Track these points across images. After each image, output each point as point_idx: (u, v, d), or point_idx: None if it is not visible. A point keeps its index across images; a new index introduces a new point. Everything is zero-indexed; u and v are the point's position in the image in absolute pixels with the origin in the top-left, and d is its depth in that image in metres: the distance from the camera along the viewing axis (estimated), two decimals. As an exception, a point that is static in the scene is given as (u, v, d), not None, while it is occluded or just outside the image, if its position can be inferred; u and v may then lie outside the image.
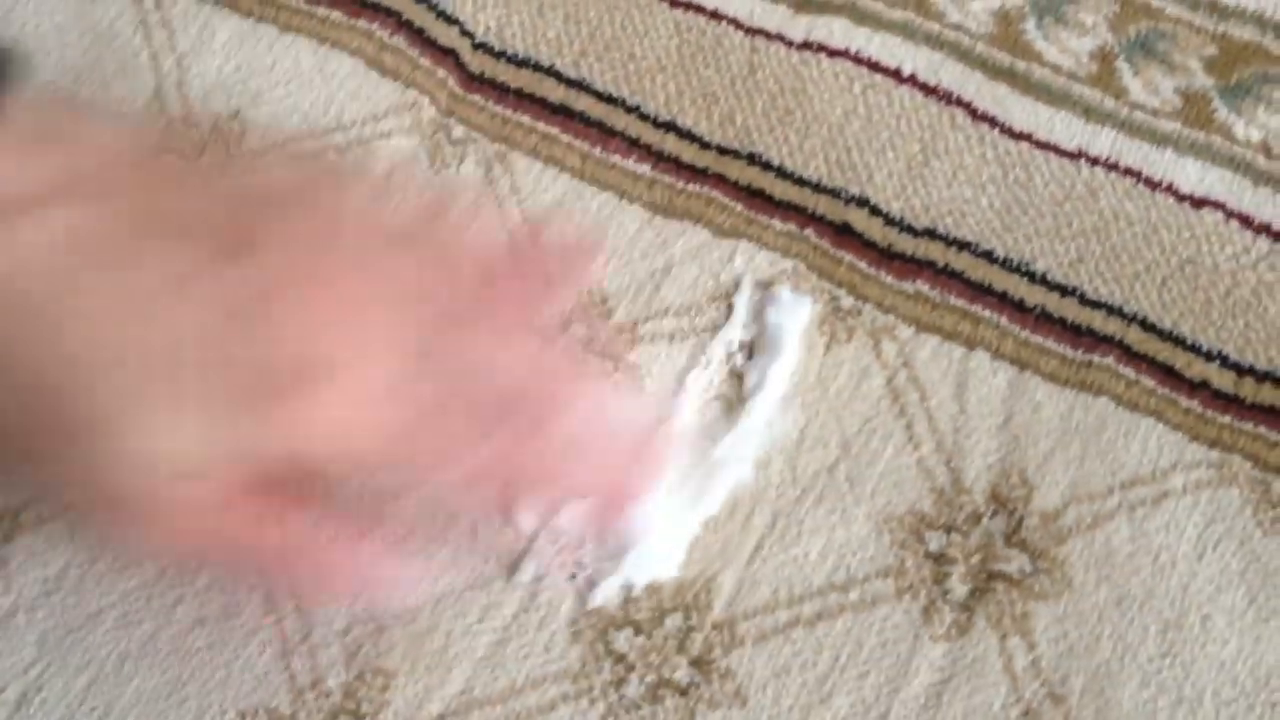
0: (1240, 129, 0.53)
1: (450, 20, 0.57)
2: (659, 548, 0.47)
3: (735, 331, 0.50)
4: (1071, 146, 0.53)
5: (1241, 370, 0.49)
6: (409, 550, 0.46)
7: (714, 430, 0.49)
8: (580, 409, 0.44)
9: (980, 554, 0.47)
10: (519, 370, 0.43)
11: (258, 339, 0.39)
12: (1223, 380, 0.49)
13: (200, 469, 0.39)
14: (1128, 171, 0.53)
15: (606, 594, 0.46)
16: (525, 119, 0.55)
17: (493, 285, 0.44)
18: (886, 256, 0.52)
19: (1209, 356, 0.49)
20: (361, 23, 0.57)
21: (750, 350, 0.50)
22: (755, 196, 0.53)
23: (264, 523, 0.41)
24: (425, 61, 0.56)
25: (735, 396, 0.50)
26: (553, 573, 0.47)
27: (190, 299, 0.39)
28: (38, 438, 0.39)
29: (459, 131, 0.54)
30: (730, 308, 0.51)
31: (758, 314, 0.50)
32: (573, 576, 0.47)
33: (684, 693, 0.45)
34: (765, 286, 0.51)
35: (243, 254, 0.40)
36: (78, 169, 0.40)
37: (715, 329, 0.50)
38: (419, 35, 0.56)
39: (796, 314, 0.50)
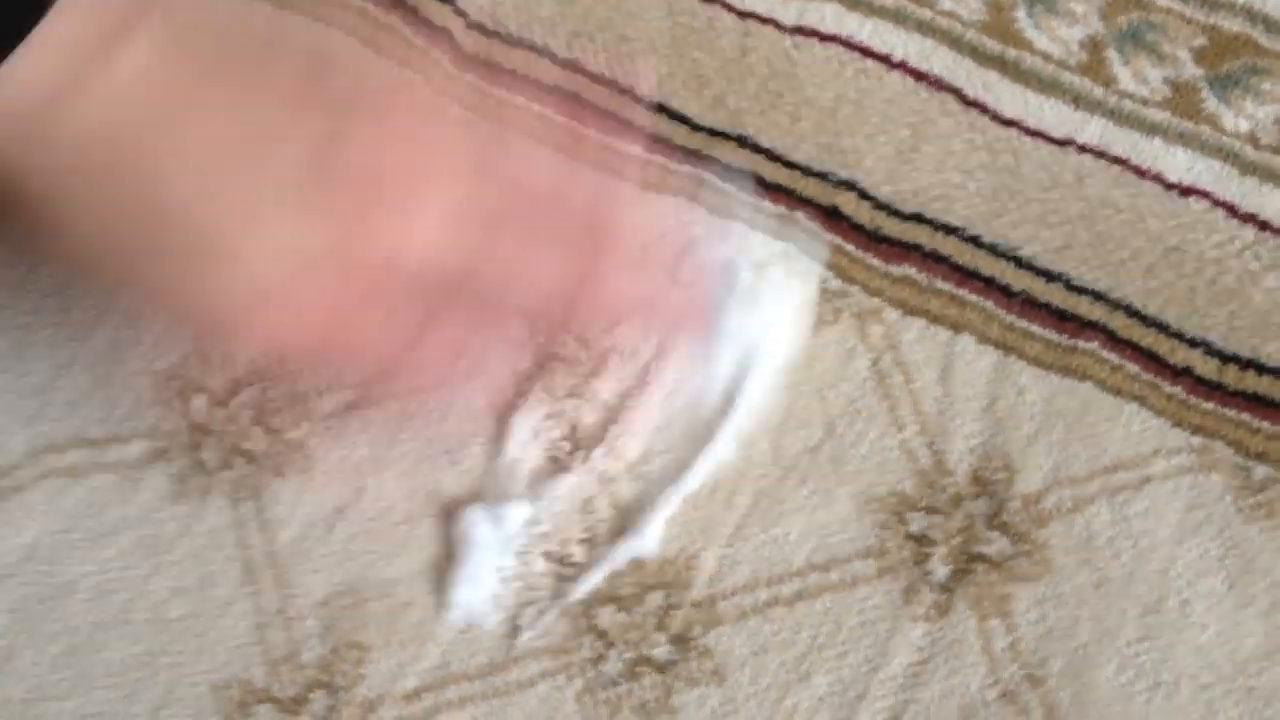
0: (1228, 119, 0.53)
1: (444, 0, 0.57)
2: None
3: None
4: (1060, 134, 0.53)
5: (1225, 357, 0.49)
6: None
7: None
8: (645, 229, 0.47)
9: (961, 536, 0.47)
10: (582, 191, 0.46)
11: (355, 139, 0.42)
12: (1206, 367, 0.49)
13: (318, 260, 0.42)
14: (1115, 159, 0.53)
15: (594, 581, 0.47)
16: (518, 99, 0.55)
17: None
18: (874, 240, 0.52)
19: (1193, 343, 0.50)
20: (356, 1, 0.57)
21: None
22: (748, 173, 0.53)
23: (366, 317, 0.43)
24: (419, 41, 0.56)
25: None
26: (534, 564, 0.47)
27: (283, 127, 0.41)
28: (152, 248, 0.41)
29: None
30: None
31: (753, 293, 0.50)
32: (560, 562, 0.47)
33: (662, 670, 0.45)
34: (761, 266, 0.51)
35: (328, 73, 0.43)
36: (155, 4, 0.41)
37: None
38: (413, 14, 0.56)
39: (791, 293, 0.50)
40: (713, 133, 0.54)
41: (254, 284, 0.41)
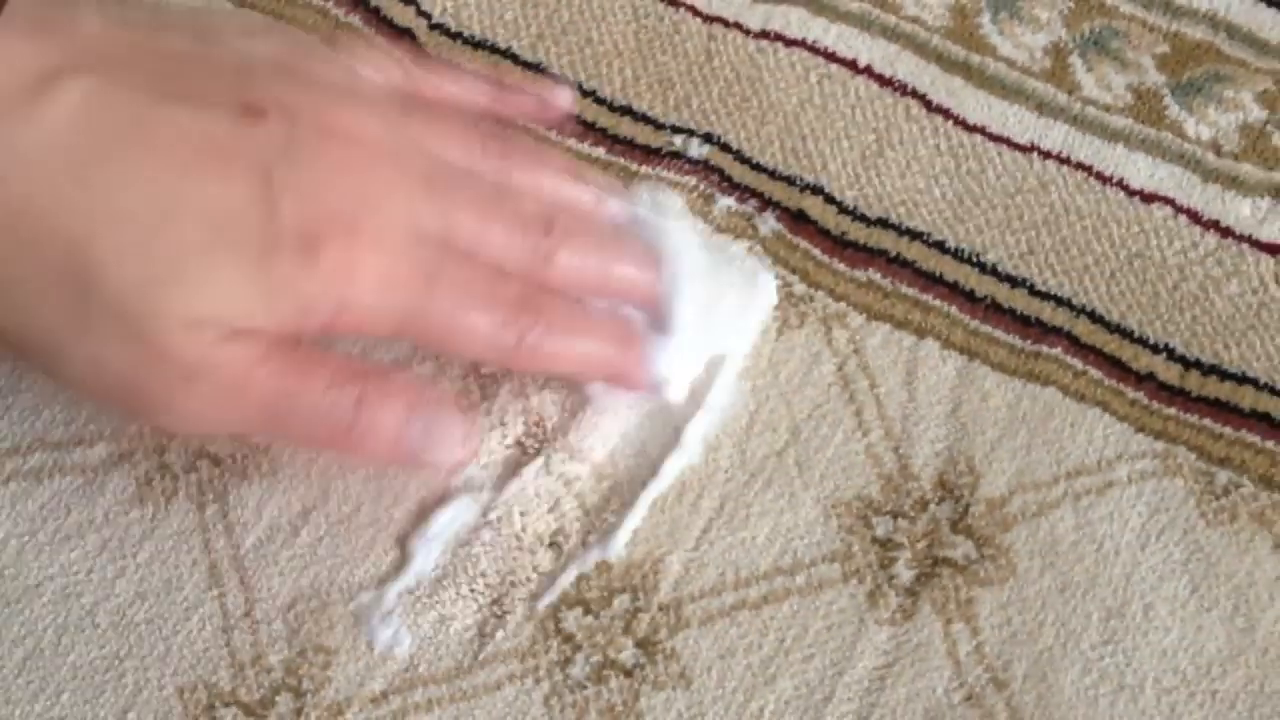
0: (1191, 126, 0.54)
1: (407, 0, 0.56)
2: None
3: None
4: (1024, 140, 0.53)
5: (1188, 363, 0.49)
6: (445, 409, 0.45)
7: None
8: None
9: (926, 540, 0.47)
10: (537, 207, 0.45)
11: (287, 196, 0.40)
12: (1169, 373, 0.49)
13: (249, 324, 0.41)
14: (1079, 166, 0.53)
15: (561, 587, 0.47)
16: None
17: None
18: (839, 244, 0.52)
19: (1156, 349, 0.50)
20: (317, 0, 0.56)
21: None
22: (713, 172, 0.53)
23: (305, 377, 0.42)
24: (380, 41, 0.56)
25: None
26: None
27: (217, 160, 0.40)
28: (77, 320, 0.40)
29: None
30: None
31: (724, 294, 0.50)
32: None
33: (629, 674, 0.45)
34: (723, 268, 0.51)
35: (258, 118, 0.41)
36: (84, 46, 0.41)
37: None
38: (375, 14, 0.56)
39: (765, 296, 0.51)
40: (676, 129, 0.54)
41: (180, 357, 0.40)
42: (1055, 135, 0.53)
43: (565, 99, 0.51)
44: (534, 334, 0.44)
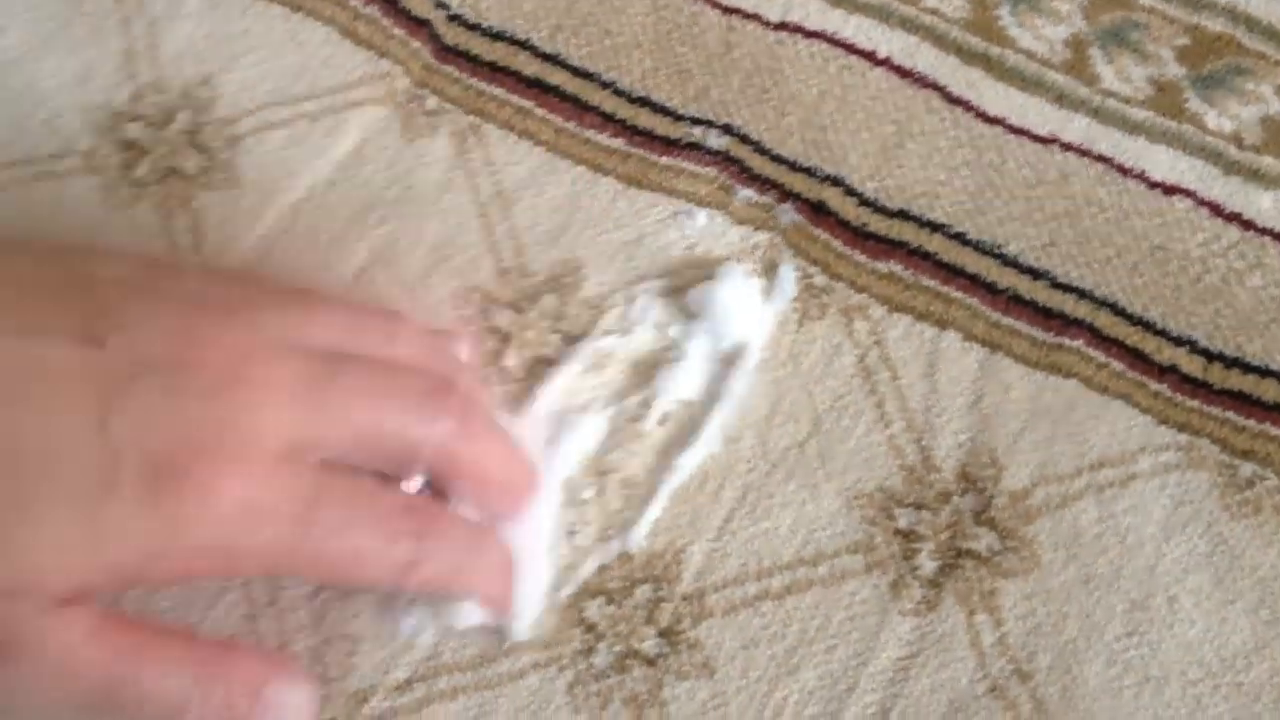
0: (1211, 119, 0.54)
1: (425, -10, 0.56)
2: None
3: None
4: (1044, 132, 0.53)
5: (1210, 355, 0.49)
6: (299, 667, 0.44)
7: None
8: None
9: (949, 531, 0.47)
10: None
11: (128, 426, 0.37)
12: (1191, 365, 0.49)
13: (80, 583, 0.37)
14: (1100, 158, 0.53)
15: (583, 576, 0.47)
16: (499, 92, 0.55)
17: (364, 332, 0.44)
18: (860, 236, 0.52)
19: (1178, 341, 0.50)
20: (337, -8, 0.56)
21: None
22: (732, 164, 0.53)
23: (142, 657, 0.38)
24: (399, 31, 0.56)
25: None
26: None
27: (58, 388, 0.37)
28: None
29: (432, 103, 0.54)
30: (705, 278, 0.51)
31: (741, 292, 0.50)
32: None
33: (651, 663, 0.45)
34: (741, 260, 0.51)
35: (106, 337, 0.38)
36: None
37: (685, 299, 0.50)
38: (392, 5, 0.56)
39: (782, 291, 0.51)
40: (695, 122, 0.54)
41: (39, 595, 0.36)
42: (1076, 127, 0.53)
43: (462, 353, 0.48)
44: (422, 552, 0.41)
